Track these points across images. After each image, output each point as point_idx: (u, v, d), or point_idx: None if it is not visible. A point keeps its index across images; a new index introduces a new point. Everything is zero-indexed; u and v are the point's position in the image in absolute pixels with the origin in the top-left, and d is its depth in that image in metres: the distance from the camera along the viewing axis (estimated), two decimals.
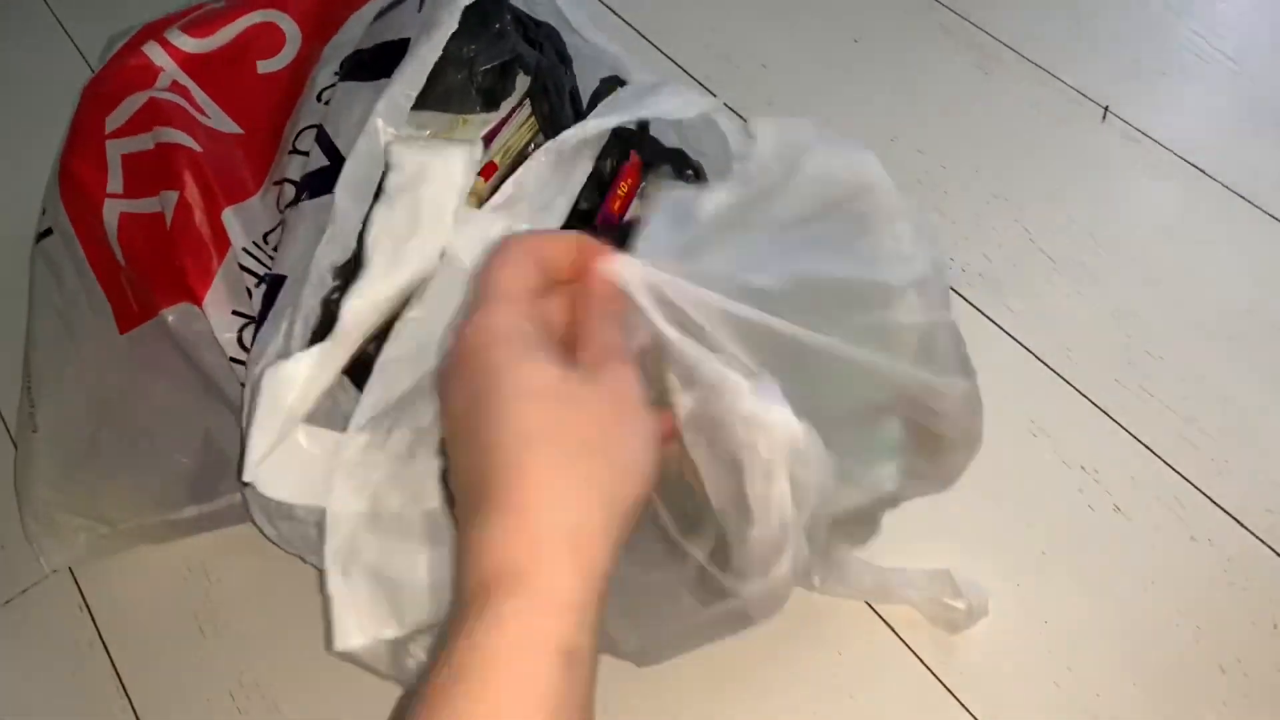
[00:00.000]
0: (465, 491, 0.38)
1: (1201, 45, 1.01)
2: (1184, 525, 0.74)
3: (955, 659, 0.69)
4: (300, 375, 0.56)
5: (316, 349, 0.55)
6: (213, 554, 0.80)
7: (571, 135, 0.60)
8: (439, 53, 0.63)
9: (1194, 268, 0.86)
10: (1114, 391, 0.80)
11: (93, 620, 0.78)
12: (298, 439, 0.57)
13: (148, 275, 0.70)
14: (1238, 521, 0.74)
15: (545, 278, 0.42)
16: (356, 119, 0.64)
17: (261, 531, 0.63)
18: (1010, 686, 0.68)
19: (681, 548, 0.52)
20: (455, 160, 0.58)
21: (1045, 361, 0.82)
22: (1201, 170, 0.92)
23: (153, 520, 0.77)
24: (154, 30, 0.78)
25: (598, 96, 0.78)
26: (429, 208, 0.57)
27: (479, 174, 0.72)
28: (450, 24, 0.63)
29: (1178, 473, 0.76)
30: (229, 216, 0.68)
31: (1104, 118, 0.96)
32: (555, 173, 0.62)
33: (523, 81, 0.73)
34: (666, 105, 0.66)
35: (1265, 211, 0.88)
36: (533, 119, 0.74)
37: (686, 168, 0.75)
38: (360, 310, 0.55)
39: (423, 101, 0.65)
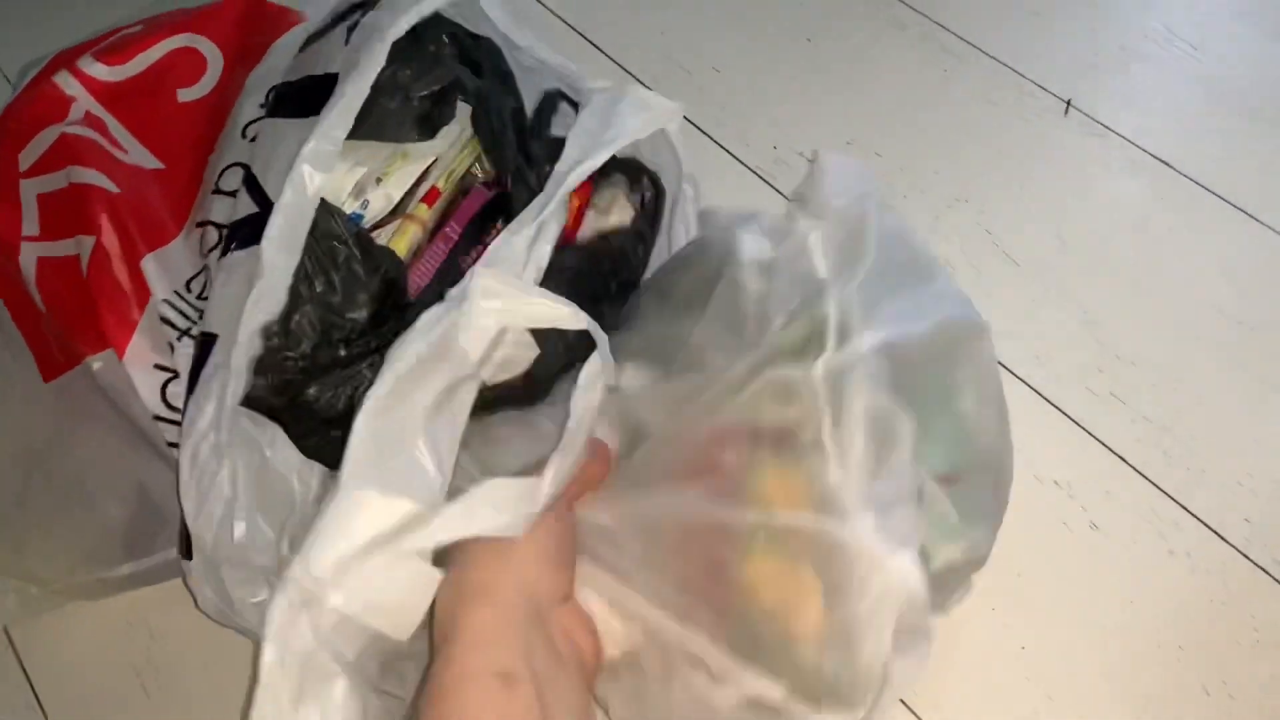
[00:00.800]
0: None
1: (1164, 35, 0.98)
2: (1162, 539, 0.72)
3: (929, 689, 0.67)
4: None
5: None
6: (153, 607, 0.76)
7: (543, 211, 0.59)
8: (367, 91, 0.59)
9: (1163, 266, 0.84)
10: (1085, 401, 0.78)
11: (29, 682, 0.74)
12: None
13: (69, 322, 0.66)
14: (1216, 533, 0.72)
15: None
16: (284, 161, 0.60)
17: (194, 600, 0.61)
18: (988, 718, 0.66)
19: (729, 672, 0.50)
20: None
21: (1013, 370, 0.79)
22: (1167, 164, 0.89)
23: (86, 578, 0.73)
24: (66, 58, 0.74)
25: (541, 112, 0.74)
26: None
27: (422, 199, 0.69)
28: (379, 60, 0.60)
29: (1153, 484, 0.74)
30: (149, 264, 0.64)
31: (1066, 112, 0.94)
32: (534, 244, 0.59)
33: (463, 107, 0.70)
34: (631, 126, 0.64)
35: (1233, 204, 0.86)
36: (474, 140, 0.71)
37: (642, 175, 0.72)
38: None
39: (356, 130, 0.61)
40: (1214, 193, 0.87)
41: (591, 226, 0.72)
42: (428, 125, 0.67)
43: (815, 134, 0.95)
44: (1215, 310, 0.81)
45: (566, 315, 0.55)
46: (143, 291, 0.63)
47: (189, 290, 0.63)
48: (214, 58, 0.74)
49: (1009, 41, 0.99)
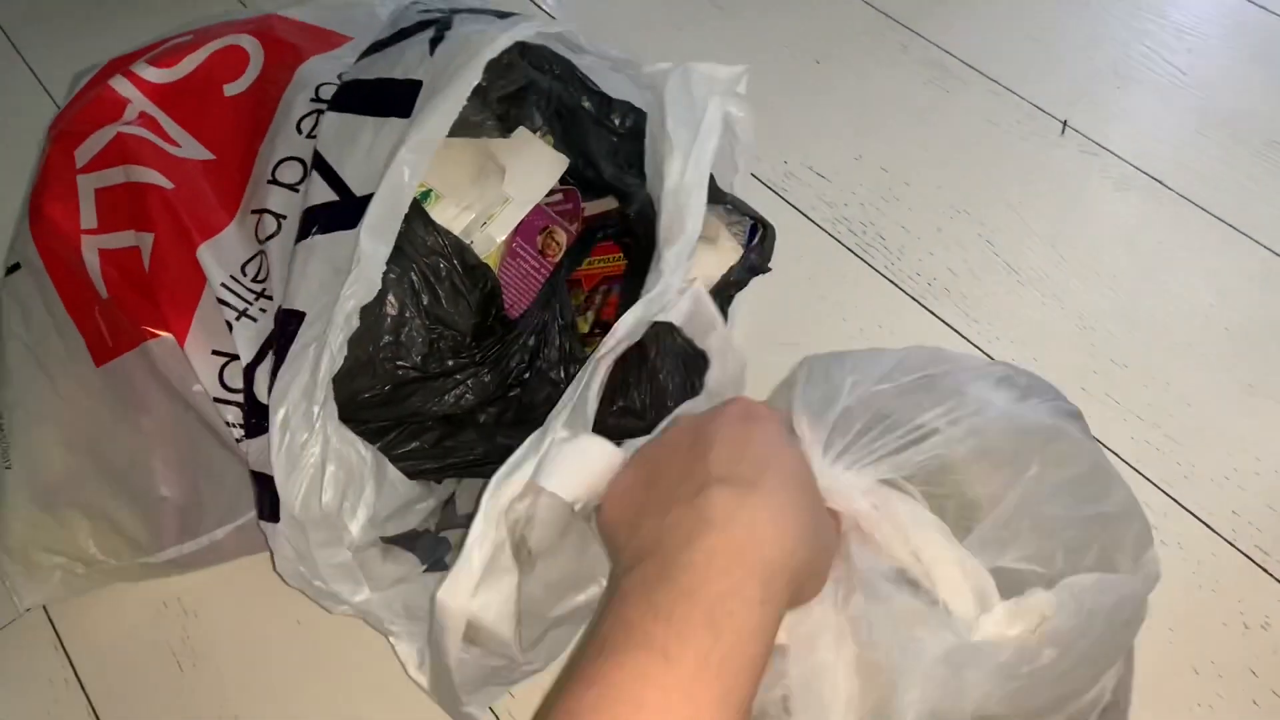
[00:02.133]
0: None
1: (1154, 59, 1.03)
2: (1155, 531, 0.75)
3: None
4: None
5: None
6: (190, 589, 0.79)
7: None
8: (464, 103, 0.65)
9: (1154, 275, 0.88)
10: (1081, 400, 0.80)
11: (68, 659, 0.77)
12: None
13: (129, 308, 0.70)
14: (1206, 525, 0.75)
15: None
16: (364, 153, 0.65)
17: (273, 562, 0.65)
18: None
19: None
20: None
21: None
22: (1158, 180, 0.94)
23: (131, 561, 0.75)
24: (120, 64, 0.79)
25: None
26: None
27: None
28: (474, 77, 0.65)
29: (1146, 478, 0.78)
30: (204, 253, 0.68)
31: (1063, 131, 0.98)
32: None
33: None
34: (714, 108, 0.71)
35: (1219, 218, 0.91)
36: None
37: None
38: None
39: None
40: (1201, 207, 0.91)
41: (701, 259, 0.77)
42: (505, 124, 0.71)
43: (825, 150, 0.99)
44: (1202, 317, 0.85)
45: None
46: (199, 280, 0.67)
47: (244, 274, 0.67)
48: (255, 52, 0.78)
49: (1008, 64, 1.04)
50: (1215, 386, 0.82)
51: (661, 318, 0.65)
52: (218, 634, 0.78)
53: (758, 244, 0.79)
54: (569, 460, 0.57)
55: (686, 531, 0.42)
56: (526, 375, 0.69)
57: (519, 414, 0.69)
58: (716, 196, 0.76)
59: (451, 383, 0.67)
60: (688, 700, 0.38)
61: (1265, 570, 0.73)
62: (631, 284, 0.74)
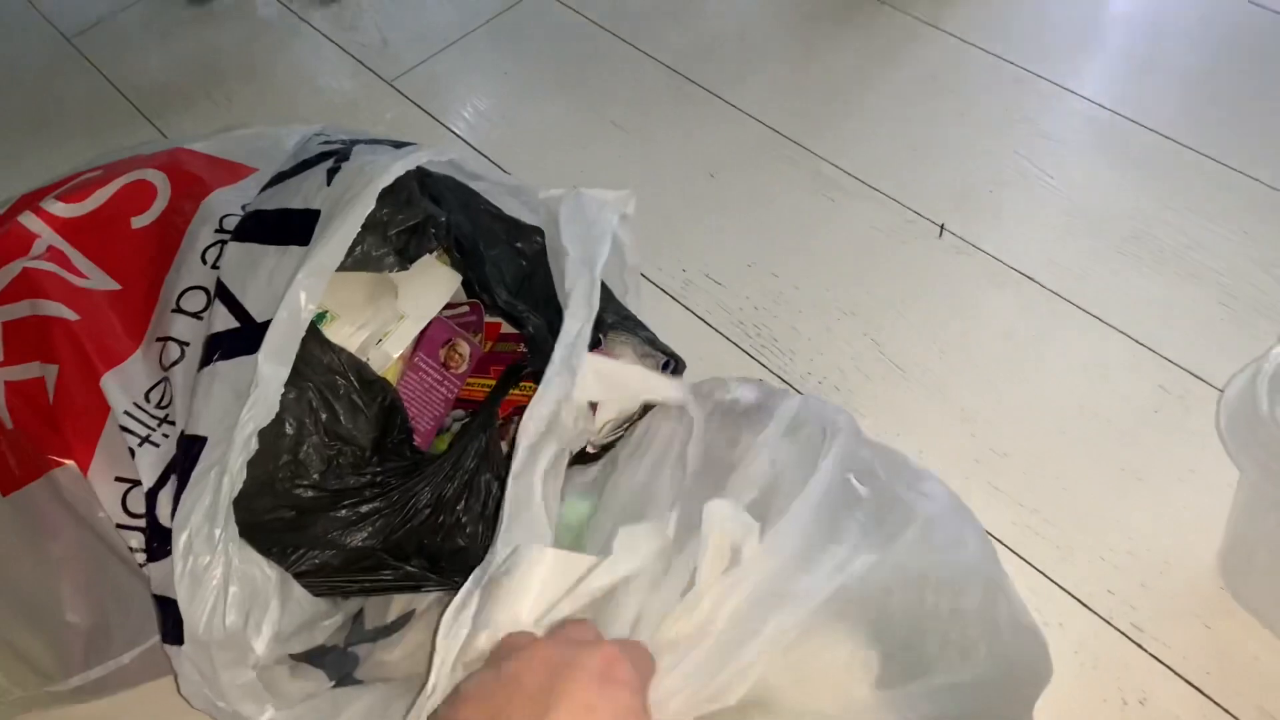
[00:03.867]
0: None
1: (1024, 164, 1.10)
2: (1037, 613, 0.79)
3: None
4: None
5: None
6: (98, 717, 0.79)
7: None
8: (359, 229, 0.68)
9: (1029, 367, 0.93)
10: (964, 489, 0.85)
11: None
12: None
13: (34, 437, 0.71)
14: (1084, 604, 0.79)
15: None
16: (264, 280, 0.68)
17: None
18: None
19: None
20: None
21: None
22: (1030, 277, 1.00)
23: (37, 691, 0.75)
24: (30, 200, 0.81)
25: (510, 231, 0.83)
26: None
27: None
28: (369, 203, 0.69)
29: (1027, 562, 0.82)
30: (108, 381, 0.70)
31: (940, 234, 1.04)
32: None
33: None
34: (606, 220, 0.77)
35: (1088, 312, 0.96)
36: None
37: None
38: None
39: (341, 264, 0.69)
40: (1071, 302, 0.97)
41: None
42: (405, 256, 0.75)
43: (719, 258, 1.04)
44: (1075, 405, 0.90)
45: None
46: (103, 408, 0.69)
47: (148, 400, 0.69)
48: (163, 185, 0.81)
49: (890, 174, 1.11)
50: (1090, 471, 0.87)
51: (576, 392, 0.68)
52: None
53: (669, 376, 0.83)
54: (519, 580, 0.57)
55: None
56: (440, 519, 0.71)
57: (430, 549, 0.71)
58: (631, 327, 0.80)
59: (356, 515, 0.69)
60: None
61: (1141, 647, 0.77)
62: None
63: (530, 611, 0.57)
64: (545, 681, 0.43)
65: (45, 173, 0.86)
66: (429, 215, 0.73)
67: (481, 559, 0.65)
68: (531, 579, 0.57)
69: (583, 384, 0.69)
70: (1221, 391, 0.89)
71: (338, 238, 0.67)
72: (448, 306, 0.84)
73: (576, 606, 0.57)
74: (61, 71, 1.36)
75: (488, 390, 0.85)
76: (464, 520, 0.71)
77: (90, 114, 1.29)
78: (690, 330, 0.99)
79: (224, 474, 0.62)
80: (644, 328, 0.82)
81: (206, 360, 0.67)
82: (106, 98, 1.31)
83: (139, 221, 0.79)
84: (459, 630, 0.57)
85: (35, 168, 0.88)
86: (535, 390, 0.81)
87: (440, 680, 0.57)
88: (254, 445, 0.63)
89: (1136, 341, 0.94)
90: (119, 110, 1.29)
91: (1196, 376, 0.91)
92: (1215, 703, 0.74)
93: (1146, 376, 0.92)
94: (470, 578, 0.59)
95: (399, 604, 0.80)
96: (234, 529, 0.63)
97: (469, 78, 1.29)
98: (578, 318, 0.70)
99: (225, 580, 0.63)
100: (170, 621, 0.63)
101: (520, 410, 0.82)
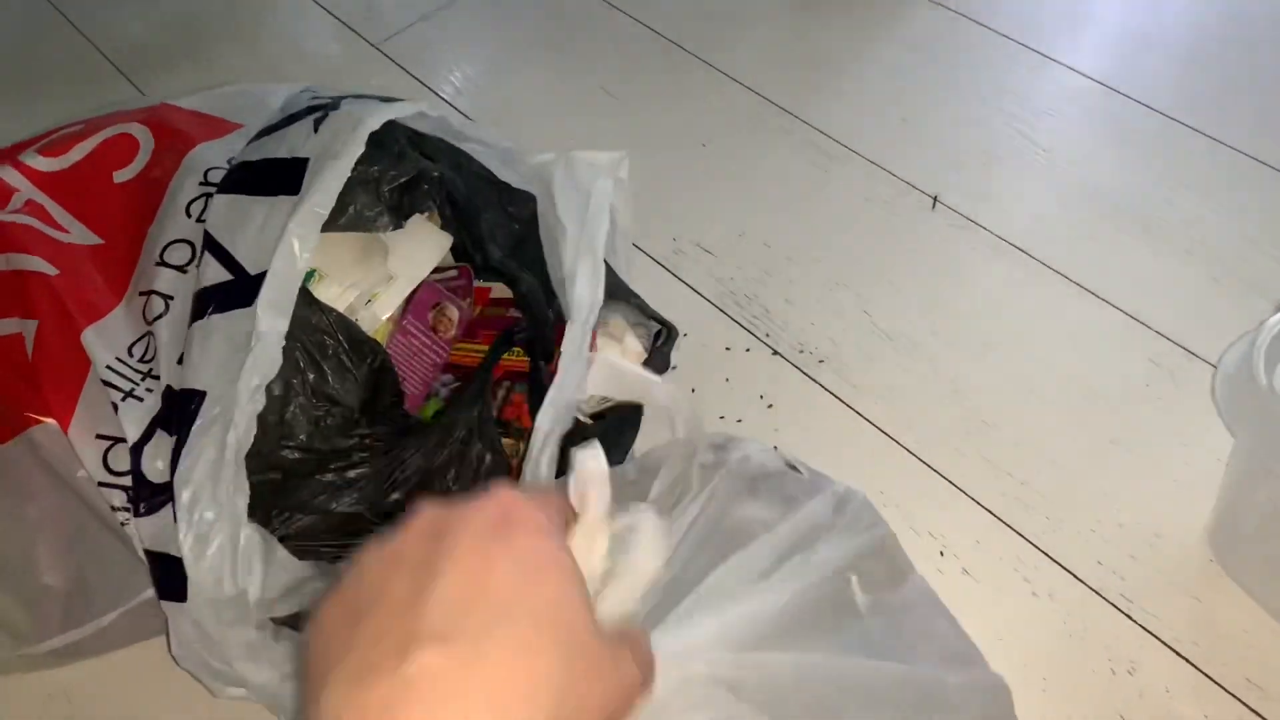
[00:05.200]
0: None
1: (1017, 138, 1.10)
2: (1026, 583, 0.79)
3: None
4: None
5: None
6: (76, 678, 0.78)
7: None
8: (348, 173, 0.67)
9: (1020, 340, 0.93)
10: (955, 460, 0.85)
11: None
12: None
13: (12, 395, 0.70)
14: (1073, 575, 0.79)
15: None
16: (255, 232, 0.67)
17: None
18: None
19: None
20: None
21: (891, 435, 0.87)
22: (1022, 250, 0.99)
23: (12, 654, 0.74)
24: (8, 154, 0.80)
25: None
26: None
27: None
28: (357, 149, 0.67)
29: (1017, 533, 0.81)
30: (89, 335, 0.69)
31: (933, 206, 1.04)
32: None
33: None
34: (602, 186, 0.74)
35: (1079, 285, 0.96)
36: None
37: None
38: None
39: (334, 223, 0.68)
40: (1063, 275, 0.97)
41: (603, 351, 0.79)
42: (399, 214, 0.74)
43: (713, 226, 1.03)
44: (1066, 377, 0.90)
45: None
46: (83, 364, 0.68)
47: (130, 354, 0.68)
48: (145, 139, 0.79)
49: (882, 145, 1.10)
50: (1080, 443, 0.86)
51: (582, 399, 0.67)
52: None
53: (662, 345, 0.82)
54: None
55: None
56: (430, 487, 0.70)
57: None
58: (624, 295, 0.79)
59: (343, 480, 0.68)
60: None
61: (1130, 617, 0.77)
62: (534, 383, 0.76)
63: None
64: (428, 548, 0.35)
65: (24, 131, 0.84)
66: (421, 170, 0.72)
67: None
68: None
69: (592, 379, 0.68)
70: (1215, 366, 0.89)
71: (328, 184, 0.65)
72: (436, 270, 0.83)
73: None
74: (40, 30, 1.33)
75: (477, 355, 0.84)
76: (454, 490, 0.70)
77: (70, 73, 1.27)
78: (681, 300, 0.98)
79: (228, 428, 0.61)
80: (636, 296, 0.81)
81: (199, 314, 0.66)
82: (86, 57, 1.28)
83: (121, 176, 0.78)
84: None
85: (13, 126, 0.86)
86: (525, 356, 0.81)
87: None
88: (260, 399, 0.62)
89: (1128, 315, 0.94)
90: (99, 70, 1.27)
91: (1187, 350, 0.91)
92: (1203, 672, 0.74)
93: (1137, 349, 0.92)
94: None
95: None
96: (243, 484, 0.62)
97: (456, 43, 1.27)
98: (583, 307, 0.69)
99: (234, 538, 0.61)
100: (169, 578, 0.62)
101: (511, 375, 0.81)
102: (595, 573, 0.41)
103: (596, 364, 0.66)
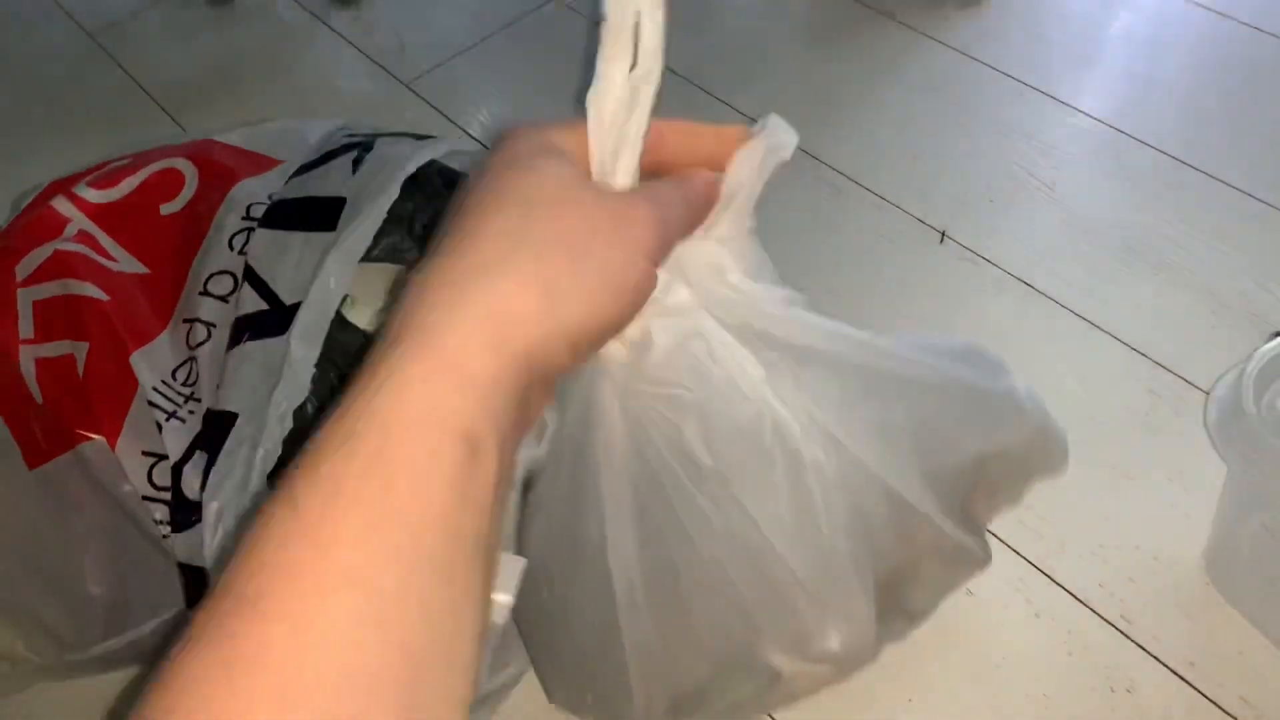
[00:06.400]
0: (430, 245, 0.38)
1: (1023, 175, 1.13)
2: (1029, 604, 0.82)
3: None
4: None
5: None
6: (114, 688, 0.81)
7: None
8: (384, 216, 0.71)
9: (1026, 369, 0.94)
10: None
11: None
12: None
13: (63, 412, 0.74)
14: (1074, 596, 0.82)
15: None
16: (293, 266, 0.71)
17: None
18: None
19: None
20: None
21: None
22: (1028, 284, 1.03)
23: (58, 660, 0.77)
24: (62, 186, 0.84)
25: None
26: None
27: None
28: (394, 192, 0.71)
29: (1021, 555, 0.84)
30: (137, 359, 0.72)
31: (942, 240, 1.07)
32: None
33: None
34: None
35: (1083, 318, 0.99)
36: None
37: None
38: None
39: (367, 255, 0.72)
40: (1067, 308, 1.00)
41: None
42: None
43: None
44: (1069, 406, 0.93)
45: None
46: (131, 385, 0.72)
47: (174, 378, 0.72)
48: (191, 174, 0.83)
49: (891, 181, 1.13)
50: (1083, 470, 0.89)
51: None
52: None
53: None
54: None
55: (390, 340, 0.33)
56: None
57: None
58: None
59: None
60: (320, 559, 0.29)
61: (1129, 638, 0.79)
62: None
63: None
64: (477, 181, 0.38)
65: (69, 165, 0.88)
66: None
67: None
68: None
69: None
70: (1208, 393, 0.92)
71: (365, 224, 0.70)
72: None
73: None
74: (85, 67, 1.39)
75: None
76: None
77: (113, 110, 1.32)
78: None
79: (256, 449, 0.64)
80: None
81: (235, 341, 0.70)
82: (129, 94, 1.34)
83: (167, 208, 0.82)
84: None
85: (59, 161, 0.90)
86: None
87: None
88: (289, 423, 0.66)
89: (1129, 346, 0.97)
90: (142, 107, 1.32)
91: (1186, 381, 0.94)
92: (1200, 692, 0.76)
93: (1138, 380, 0.94)
94: None
95: None
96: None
97: (484, 82, 1.32)
98: None
99: None
100: (196, 589, 0.66)
101: None
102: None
103: None
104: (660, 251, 0.39)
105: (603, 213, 0.37)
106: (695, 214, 0.44)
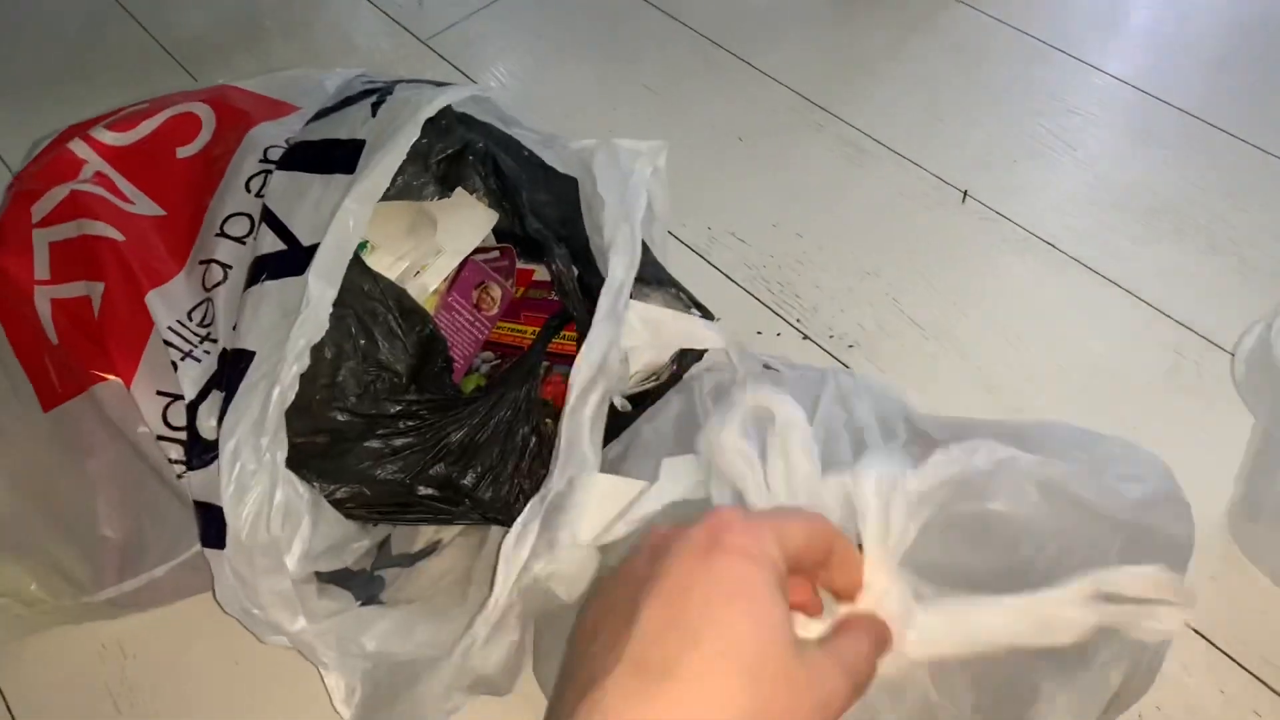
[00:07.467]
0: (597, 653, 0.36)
1: (1045, 135, 1.12)
2: None
3: None
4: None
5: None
6: (129, 632, 0.82)
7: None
8: (404, 157, 0.70)
9: (1048, 330, 0.95)
10: None
11: (4, 702, 0.79)
12: None
13: (78, 353, 0.74)
14: None
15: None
16: (311, 207, 0.70)
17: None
18: None
19: None
20: None
21: None
22: (1051, 244, 1.01)
23: (72, 602, 0.77)
24: (78, 129, 0.84)
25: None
26: None
27: None
28: (414, 132, 0.71)
29: None
30: (153, 298, 0.72)
31: (963, 200, 1.06)
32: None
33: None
34: (640, 173, 0.78)
35: (1105, 277, 0.98)
36: None
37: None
38: None
39: (386, 193, 0.71)
40: (1090, 268, 0.99)
41: None
42: (445, 185, 0.77)
43: (744, 217, 1.06)
44: (1092, 366, 0.92)
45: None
46: (146, 325, 0.72)
47: (190, 318, 0.71)
48: (208, 118, 0.83)
49: (913, 140, 1.12)
50: (1105, 429, 0.88)
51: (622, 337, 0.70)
52: (156, 675, 0.80)
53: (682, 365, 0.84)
54: (576, 505, 0.61)
55: None
56: (473, 463, 0.73)
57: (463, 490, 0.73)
58: (661, 281, 0.82)
59: (388, 448, 0.71)
60: None
61: None
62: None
63: (587, 532, 0.60)
64: (648, 569, 0.37)
65: (90, 113, 0.88)
66: (468, 142, 0.75)
67: (511, 508, 0.69)
68: (589, 502, 0.61)
69: (629, 329, 0.71)
70: (1233, 353, 0.91)
71: (384, 165, 0.69)
72: (480, 251, 0.86)
73: (629, 530, 0.60)
74: (104, 24, 1.39)
75: (517, 335, 0.87)
76: (496, 468, 0.73)
77: (131, 66, 1.32)
78: (714, 286, 1.00)
79: (274, 385, 0.64)
80: (674, 281, 0.83)
81: (254, 280, 0.69)
82: (147, 50, 1.34)
83: (184, 151, 0.82)
84: (520, 551, 0.61)
85: (77, 116, 0.89)
86: (572, 338, 0.84)
87: (502, 595, 0.61)
88: (306, 359, 0.65)
89: (1152, 306, 0.96)
90: (160, 63, 1.32)
91: (1210, 341, 0.92)
92: (1222, 651, 0.75)
93: (1161, 339, 0.93)
94: (528, 506, 0.63)
95: (425, 533, 0.82)
96: (283, 438, 0.65)
97: (502, 38, 1.31)
98: (621, 265, 0.72)
99: (271, 489, 0.64)
100: (212, 526, 0.65)
101: (551, 356, 0.84)
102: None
103: (631, 313, 0.69)
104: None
105: (806, 696, 0.36)
106: (869, 680, 0.41)
